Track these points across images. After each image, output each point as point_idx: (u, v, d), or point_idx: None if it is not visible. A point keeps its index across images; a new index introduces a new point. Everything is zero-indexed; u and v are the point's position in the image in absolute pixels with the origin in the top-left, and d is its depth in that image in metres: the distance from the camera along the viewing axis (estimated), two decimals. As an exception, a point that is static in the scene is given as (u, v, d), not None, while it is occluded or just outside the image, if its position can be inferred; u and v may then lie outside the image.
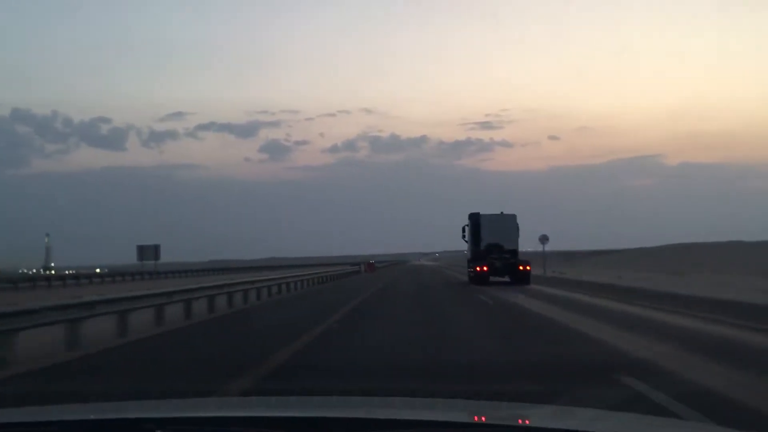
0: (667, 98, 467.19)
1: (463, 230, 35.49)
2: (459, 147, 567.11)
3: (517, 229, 33.73)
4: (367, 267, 69.80)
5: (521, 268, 31.41)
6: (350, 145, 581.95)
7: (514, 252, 32.84)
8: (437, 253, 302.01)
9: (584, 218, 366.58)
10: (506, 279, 31.64)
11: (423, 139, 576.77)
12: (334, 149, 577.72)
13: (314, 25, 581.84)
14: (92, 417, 2.48)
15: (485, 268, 31.47)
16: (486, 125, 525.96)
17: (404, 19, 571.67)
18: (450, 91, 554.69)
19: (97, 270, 74.39)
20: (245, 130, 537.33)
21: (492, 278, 31.40)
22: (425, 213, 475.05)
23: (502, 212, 34.40)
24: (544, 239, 40.74)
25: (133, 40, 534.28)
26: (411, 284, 35.11)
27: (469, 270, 34.15)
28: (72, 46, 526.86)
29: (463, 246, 36.89)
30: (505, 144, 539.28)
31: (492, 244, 32.79)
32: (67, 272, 66.58)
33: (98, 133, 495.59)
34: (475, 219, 34.20)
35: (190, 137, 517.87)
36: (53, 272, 73.39)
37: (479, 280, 31.14)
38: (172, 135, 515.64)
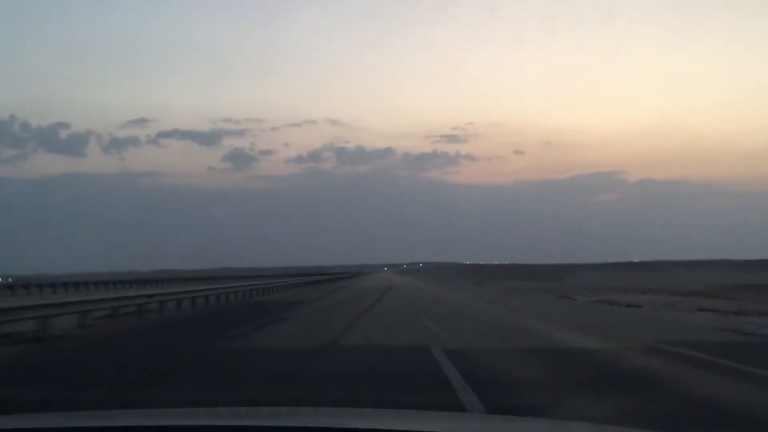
0: (629, 114, 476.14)
1: None
2: (425, 159, 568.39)
3: None
4: None
5: None
6: (316, 155, 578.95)
7: None
8: (402, 264, 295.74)
9: (549, 232, 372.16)
10: None
11: (389, 151, 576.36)
12: (299, 159, 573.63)
13: (280, 34, 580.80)
14: (80, 425, 2.42)
15: None
16: (452, 138, 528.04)
17: (370, 31, 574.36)
18: (416, 103, 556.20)
19: None
20: (209, 139, 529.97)
21: None
22: (391, 225, 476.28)
23: None
24: None
25: (94, 44, 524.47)
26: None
27: None
28: (31, 49, 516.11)
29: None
30: (471, 157, 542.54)
31: None
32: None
33: (57, 139, 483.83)
34: None
35: (152, 144, 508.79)
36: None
37: None
38: (133, 141, 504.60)
